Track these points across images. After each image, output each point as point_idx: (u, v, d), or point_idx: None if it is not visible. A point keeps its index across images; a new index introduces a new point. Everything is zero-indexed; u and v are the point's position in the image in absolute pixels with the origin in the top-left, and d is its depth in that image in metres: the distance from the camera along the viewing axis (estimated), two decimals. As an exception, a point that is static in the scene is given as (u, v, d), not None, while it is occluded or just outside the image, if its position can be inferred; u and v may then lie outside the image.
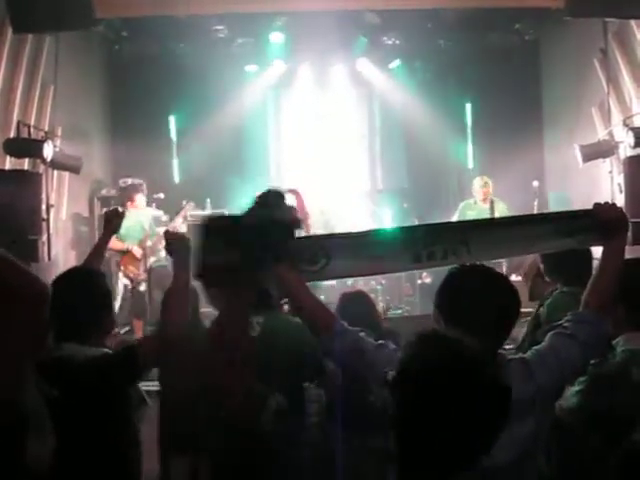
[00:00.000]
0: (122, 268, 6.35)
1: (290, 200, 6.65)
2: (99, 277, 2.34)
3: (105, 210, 2.95)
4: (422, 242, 1.97)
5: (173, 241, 2.24)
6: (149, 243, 6.45)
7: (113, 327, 2.46)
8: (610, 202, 2.04)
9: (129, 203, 6.61)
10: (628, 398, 2.05)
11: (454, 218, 6.65)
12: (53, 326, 2.12)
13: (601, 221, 1.91)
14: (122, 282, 6.38)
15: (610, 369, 2.10)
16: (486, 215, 6.36)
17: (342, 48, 8.80)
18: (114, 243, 6.26)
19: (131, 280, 6.39)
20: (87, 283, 2.23)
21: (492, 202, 6.55)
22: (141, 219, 6.67)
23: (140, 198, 6.78)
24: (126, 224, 6.60)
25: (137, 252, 6.42)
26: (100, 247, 2.78)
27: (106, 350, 2.17)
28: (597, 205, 1.97)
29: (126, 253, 6.38)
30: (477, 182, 6.73)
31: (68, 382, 2.02)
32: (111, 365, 2.07)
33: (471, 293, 1.75)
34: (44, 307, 1.43)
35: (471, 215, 6.48)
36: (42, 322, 1.47)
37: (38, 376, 2.02)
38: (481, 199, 6.65)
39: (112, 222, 2.79)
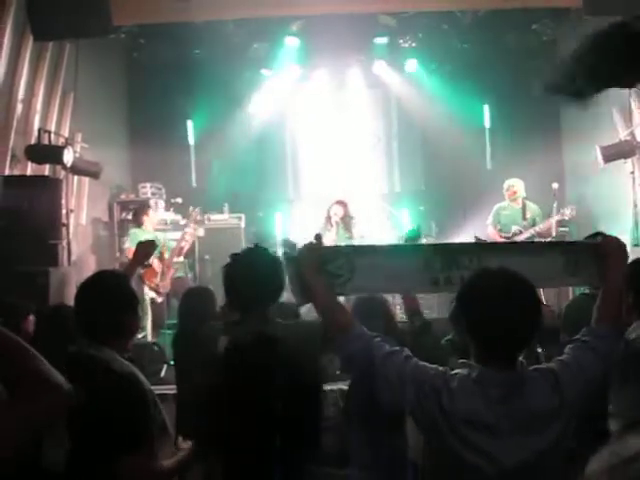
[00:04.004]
0: (147, 282, 6.36)
1: (338, 209, 6.82)
2: (124, 280, 2.34)
3: (139, 241, 2.98)
4: (440, 266, 2.01)
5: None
6: (167, 256, 6.46)
7: (137, 330, 2.40)
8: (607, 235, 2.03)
9: (145, 218, 6.59)
10: None
11: (489, 220, 6.78)
12: (80, 328, 2.14)
13: (603, 253, 1.93)
14: (149, 296, 6.39)
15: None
16: (519, 215, 6.59)
17: (358, 51, 8.81)
18: None
19: (157, 292, 6.40)
20: (112, 286, 2.22)
21: (524, 203, 6.64)
22: (156, 233, 6.68)
23: (152, 214, 6.80)
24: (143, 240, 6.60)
25: (157, 266, 6.42)
26: (127, 274, 2.73)
27: (135, 370, 2.08)
28: (603, 239, 1.98)
29: (147, 267, 6.36)
30: (504, 185, 6.83)
31: (95, 386, 1.90)
32: (140, 390, 1.99)
33: (491, 299, 1.69)
34: (57, 410, 1.31)
35: (505, 215, 6.68)
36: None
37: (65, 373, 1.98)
38: (510, 201, 6.73)
39: (144, 253, 2.87)
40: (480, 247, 2.15)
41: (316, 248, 2.02)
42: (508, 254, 2.08)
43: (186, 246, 6.63)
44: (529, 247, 2.64)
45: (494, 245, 3.16)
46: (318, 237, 2.09)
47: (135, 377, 2.03)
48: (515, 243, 4.17)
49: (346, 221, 6.63)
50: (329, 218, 6.63)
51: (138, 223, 6.65)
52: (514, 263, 1.95)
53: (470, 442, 1.65)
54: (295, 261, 2.04)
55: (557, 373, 1.73)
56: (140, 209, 6.92)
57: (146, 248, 2.90)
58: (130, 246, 6.25)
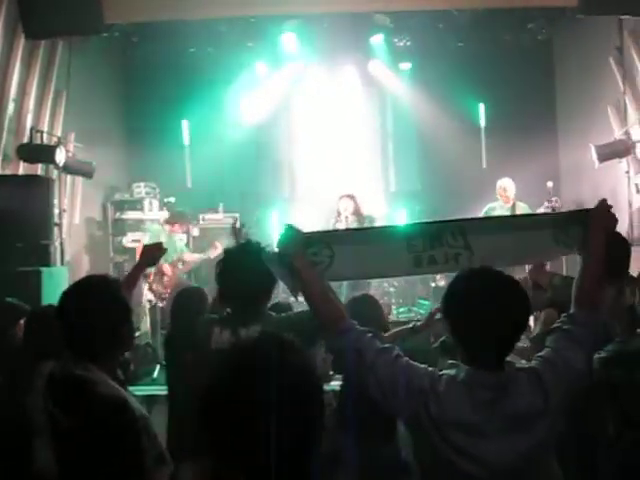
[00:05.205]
0: (149, 283, 6.30)
1: (348, 203, 6.63)
2: (116, 286, 2.04)
3: (145, 243, 2.81)
4: (422, 245, 1.92)
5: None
6: (180, 265, 6.43)
7: (133, 343, 2.18)
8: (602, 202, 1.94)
9: (170, 227, 6.60)
10: None
11: None
12: (66, 341, 1.91)
13: (589, 221, 1.87)
14: (146, 297, 6.34)
15: (636, 345, 2.09)
16: (508, 213, 6.52)
17: (354, 50, 8.79)
18: None
19: (155, 296, 6.35)
20: (103, 293, 1.94)
21: (514, 203, 6.73)
22: (175, 240, 6.65)
23: (180, 228, 6.79)
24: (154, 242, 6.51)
25: (167, 270, 6.38)
26: (133, 278, 2.60)
27: (125, 395, 1.89)
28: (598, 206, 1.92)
29: (158, 273, 6.31)
30: (497, 186, 6.88)
31: (80, 413, 1.77)
32: (129, 417, 1.80)
33: (477, 299, 1.66)
34: None
35: (495, 214, 6.64)
36: None
37: (47, 391, 1.84)
38: (501, 201, 6.81)
39: (151, 255, 2.68)
40: (465, 224, 2.00)
41: (296, 231, 1.94)
42: (494, 229, 2.00)
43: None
44: (515, 220, 2.56)
45: (479, 220, 2.83)
46: (290, 225, 2.02)
47: (123, 403, 1.81)
48: (501, 217, 4.02)
49: (359, 217, 6.53)
50: (339, 214, 6.55)
51: (172, 225, 6.60)
52: (500, 238, 1.91)
53: (457, 444, 1.63)
54: (278, 253, 1.94)
55: (540, 372, 1.71)
56: (185, 218, 6.88)
57: (153, 252, 2.68)
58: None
